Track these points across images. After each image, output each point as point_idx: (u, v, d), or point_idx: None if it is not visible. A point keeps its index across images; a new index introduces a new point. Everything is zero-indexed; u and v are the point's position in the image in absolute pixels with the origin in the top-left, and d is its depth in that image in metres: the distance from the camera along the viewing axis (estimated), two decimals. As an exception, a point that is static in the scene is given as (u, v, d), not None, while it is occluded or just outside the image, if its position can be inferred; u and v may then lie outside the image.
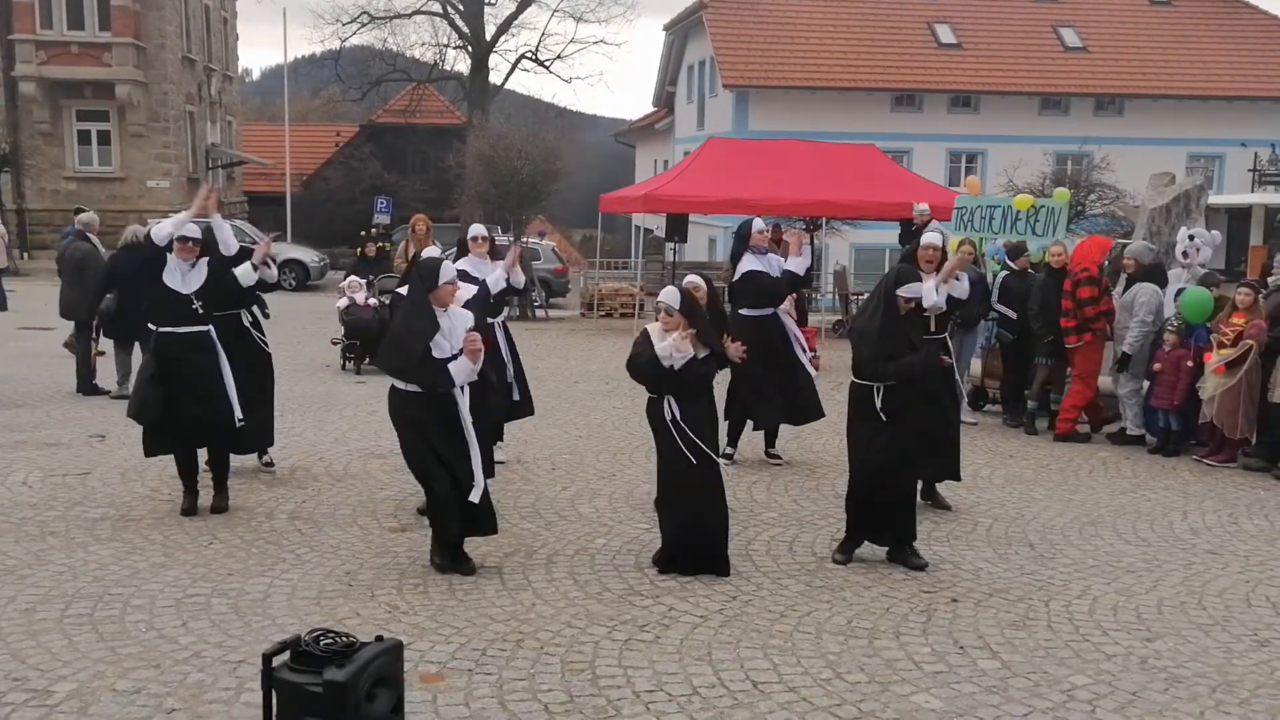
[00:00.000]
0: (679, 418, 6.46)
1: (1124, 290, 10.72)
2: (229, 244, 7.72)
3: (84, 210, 13.24)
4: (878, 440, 6.72)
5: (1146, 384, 10.49)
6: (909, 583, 6.58)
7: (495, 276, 8.24)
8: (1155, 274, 10.67)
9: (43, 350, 14.46)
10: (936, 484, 8.21)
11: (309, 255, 28.46)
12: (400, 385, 6.48)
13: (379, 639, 4.44)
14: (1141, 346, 10.37)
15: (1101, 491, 8.87)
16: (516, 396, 8.88)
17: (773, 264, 9.28)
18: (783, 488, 8.69)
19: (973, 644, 5.70)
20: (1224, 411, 9.61)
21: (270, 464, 8.80)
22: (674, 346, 6.34)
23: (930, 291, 7.48)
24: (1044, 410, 11.29)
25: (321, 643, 4.26)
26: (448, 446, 6.34)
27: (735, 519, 7.74)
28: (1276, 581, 6.81)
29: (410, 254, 12.13)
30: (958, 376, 8.29)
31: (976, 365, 12.10)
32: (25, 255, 29.83)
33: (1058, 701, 5.08)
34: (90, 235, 12.34)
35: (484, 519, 6.52)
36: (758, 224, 9.40)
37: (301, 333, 17.30)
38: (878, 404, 6.70)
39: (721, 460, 9.10)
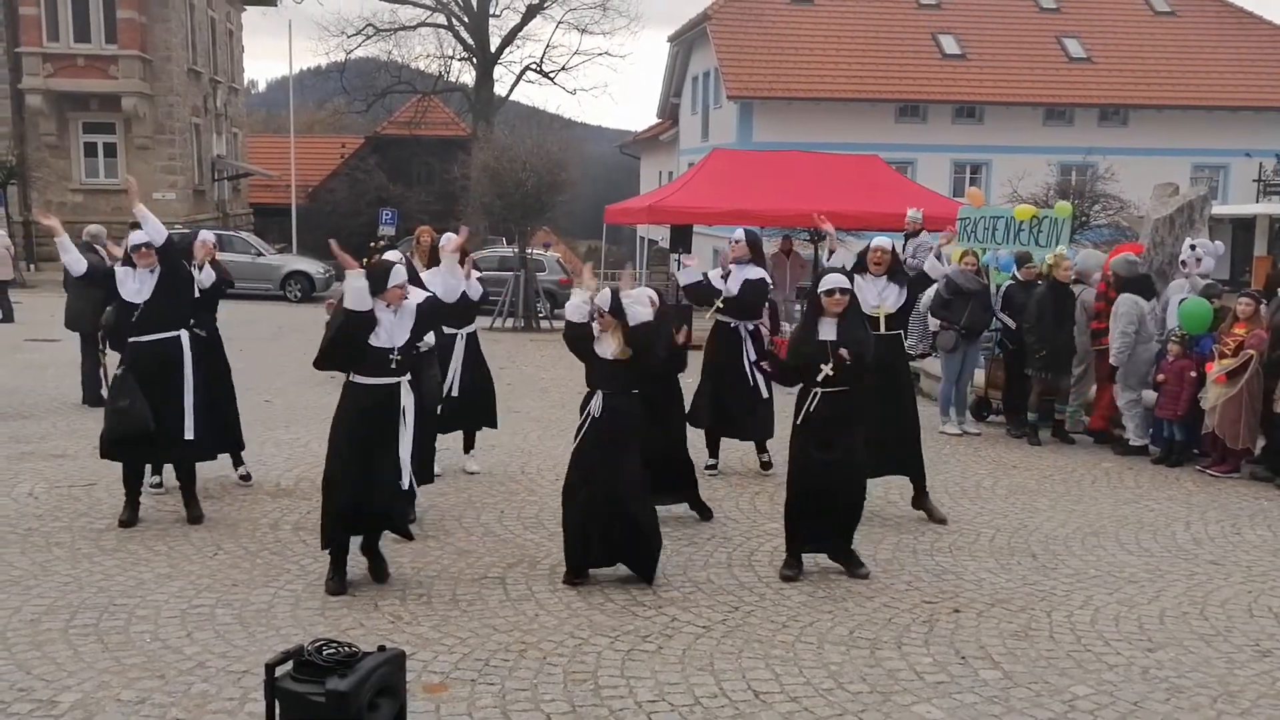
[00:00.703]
0: (595, 416, 6.52)
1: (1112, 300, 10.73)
2: (157, 230, 7.46)
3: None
4: (809, 448, 6.70)
5: (1151, 394, 10.50)
6: (911, 593, 6.59)
7: (449, 287, 7.96)
8: (1137, 285, 10.66)
9: (49, 362, 14.51)
10: (925, 492, 8.22)
11: (314, 267, 28.53)
12: (353, 379, 6.41)
13: (381, 649, 4.45)
14: (1129, 356, 10.39)
15: (1104, 502, 8.88)
16: (439, 410, 8.64)
17: (744, 275, 9.15)
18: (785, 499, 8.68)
19: (974, 654, 5.71)
20: (1225, 421, 9.61)
21: (246, 477, 8.74)
22: (580, 302, 6.52)
23: (882, 285, 7.72)
24: (1046, 421, 11.29)
25: (324, 652, 4.28)
26: (370, 444, 6.30)
27: (738, 529, 7.78)
28: (1279, 592, 6.81)
29: (417, 265, 12.16)
30: (910, 373, 8.31)
31: (980, 376, 12.11)
32: (32, 267, 29.92)
33: (1059, 712, 5.09)
34: (97, 247, 12.39)
35: (388, 514, 6.45)
36: (736, 234, 9.37)
37: (306, 344, 17.31)
38: (809, 409, 6.68)
39: (706, 471, 9.18)
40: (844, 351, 6.55)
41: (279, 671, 4.24)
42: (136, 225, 7.49)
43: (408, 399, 6.40)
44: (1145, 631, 6.09)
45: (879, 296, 8.02)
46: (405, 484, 6.39)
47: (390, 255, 7.73)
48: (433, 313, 6.60)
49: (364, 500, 6.31)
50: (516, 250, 22.53)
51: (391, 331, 6.31)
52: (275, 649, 5.01)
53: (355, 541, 6.54)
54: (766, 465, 9.46)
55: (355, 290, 6.19)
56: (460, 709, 4.96)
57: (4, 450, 9.60)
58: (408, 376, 6.46)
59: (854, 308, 6.85)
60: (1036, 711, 5.08)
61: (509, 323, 21.11)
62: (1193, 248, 10.98)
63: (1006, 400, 11.77)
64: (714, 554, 7.22)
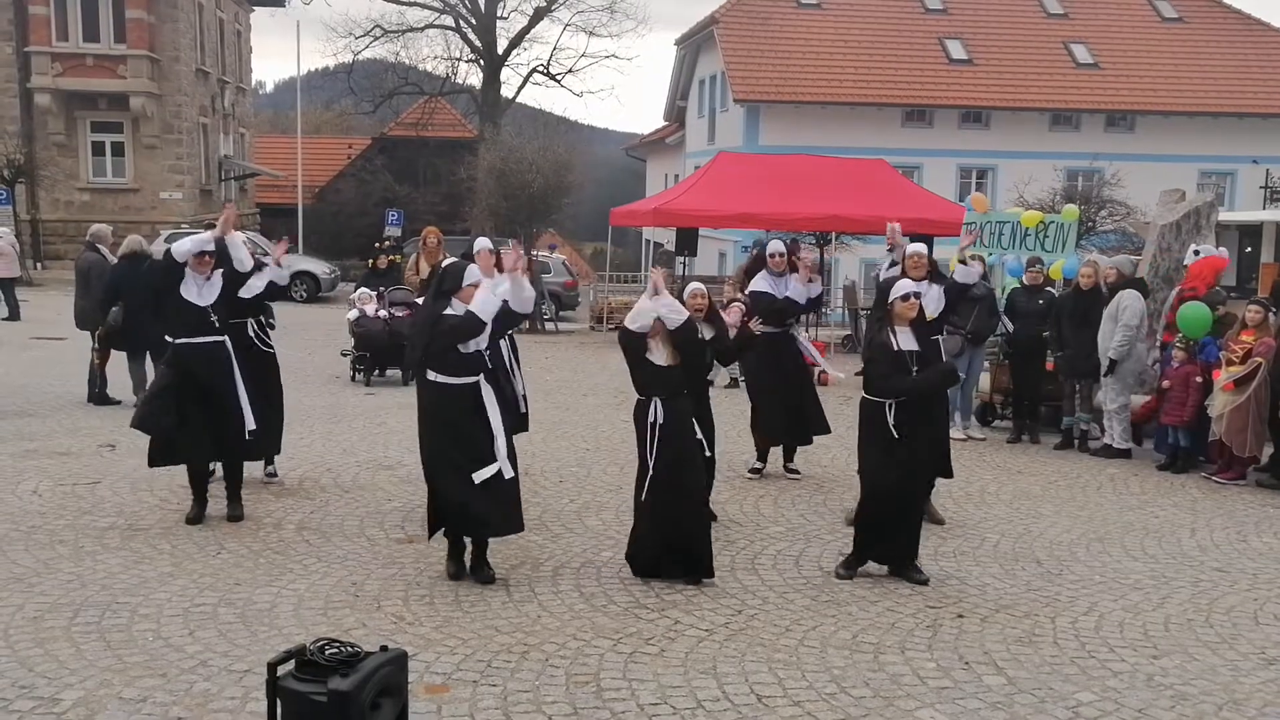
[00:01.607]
0: (661, 421, 6.53)
1: (1108, 300, 10.71)
2: (243, 260, 7.78)
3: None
4: (891, 459, 6.69)
5: (1137, 399, 10.52)
6: (915, 598, 6.57)
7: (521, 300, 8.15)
8: (1137, 284, 10.72)
9: (55, 359, 14.54)
10: (927, 494, 8.21)
11: (320, 267, 28.55)
12: (431, 376, 6.46)
13: (384, 649, 4.44)
14: (1127, 353, 10.38)
15: (1110, 508, 8.85)
16: (522, 409, 8.80)
17: (783, 287, 9.30)
18: (790, 502, 8.69)
19: (978, 660, 5.69)
20: (1232, 429, 9.58)
21: (274, 474, 8.82)
22: (644, 314, 6.54)
23: (925, 289, 7.68)
24: (1052, 428, 11.28)
25: (326, 652, 4.27)
26: (468, 442, 6.35)
27: (742, 533, 7.77)
28: (1284, 599, 6.79)
29: (420, 267, 12.18)
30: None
31: (985, 380, 12.09)
32: (39, 265, 29.99)
33: (1063, 718, 5.07)
34: (100, 246, 12.44)
35: (499, 517, 6.46)
36: (774, 246, 9.43)
37: (312, 344, 17.34)
38: (890, 421, 6.67)
39: (749, 474, 9.24)
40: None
41: (281, 671, 4.24)
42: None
43: (490, 394, 6.46)
44: (1150, 638, 6.07)
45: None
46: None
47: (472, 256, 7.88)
48: (505, 318, 6.64)
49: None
50: (515, 247, 22.50)
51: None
52: (277, 648, 5.00)
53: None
54: (793, 473, 9.49)
55: (485, 302, 6.35)
56: (462, 710, 4.95)
57: (9, 448, 9.61)
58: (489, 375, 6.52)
59: (922, 313, 6.87)
60: (1040, 717, 5.06)
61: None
62: (1196, 253, 10.98)
63: (1004, 403, 11.78)
64: (717, 557, 7.18)
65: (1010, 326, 11.43)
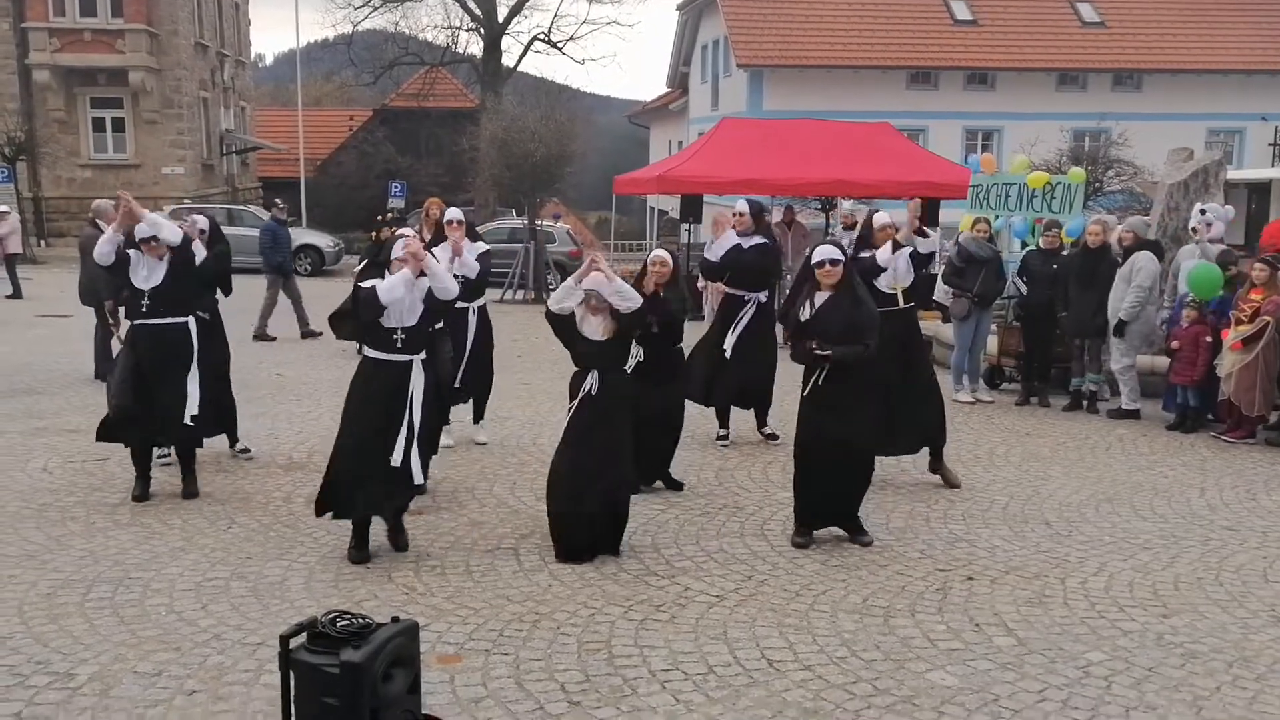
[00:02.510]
0: (595, 393, 6.47)
1: (1122, 261, 10.66)
2: (174, 234, 7.51)
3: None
4: (813, 422, 6.65)
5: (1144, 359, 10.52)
6: (924, 561, 6.58)
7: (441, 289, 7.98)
8: (1152, 246, 10.67)
9: (61, 337, 14.55)
10: (941, 457, 8.21)
11: (323, 240, 28.50)
12: (365, 351, 6.48)
13: (395, 620, 4.45)
14: (1138, 314, 10.35)
15: (1119, 468, 8.85)
16: (457, 384, 8.71)
17: (748, 242, 9.05)
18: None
19: (988, 621, 5.70)
20: (1241, 388, 9.56)
21: (245, 450, 8.74)
22: (565, 295, 6.52)
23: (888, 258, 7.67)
24: (1059, 389, 11.26)
25: (338, 624, 4.28)
26: (378, 416, 6.33)
27: (751, 499, 7.77)
28: (1295, 557, 6.79)
29: (424, 238, 12.14)
30: (922, 349, 8.25)
31: (993, 343, 12.07)
32: (42, 243, 29.98)
33: (1073, 678, 5.08)
34: (100, 222, 12.42)
35: (400, 493, 6.47)
36: (739, 206, 9.27)
37: (317, 317, 17.31)
38: (813, 384, 6.62)
39: (718, 443, 9.19)
40: (814, 345, 6.50)
41: (293, 643, 4.25)
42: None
43: (418, 378, 6.42)
44: (1160, 597, 6.08)
45: (892, 272, 7.93)
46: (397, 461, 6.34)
47: (404, 231, 7.77)
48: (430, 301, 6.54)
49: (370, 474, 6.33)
50: (526, 222, 22.46)
51: (402, 313, 6.35)
52: (289, 621, 5.02)
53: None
54: (772, 437, 9.43)
55: (389, 283, 6.30)
56: (475, 679, 4.98)
57: (18, 425, 9.64)
58: (421, 355, 6.47)
59: (848, 282, 6.68)
60: (1050, 678, 5.07)
61: (519, 295, 21.08)
62: (1202, 212, 10.92)
63: (1019, 367, 11.76)
64: (727, 523, 7.22)
65: (1024, 289, 11.38)
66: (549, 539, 6.81)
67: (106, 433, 7.63)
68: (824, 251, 6.70)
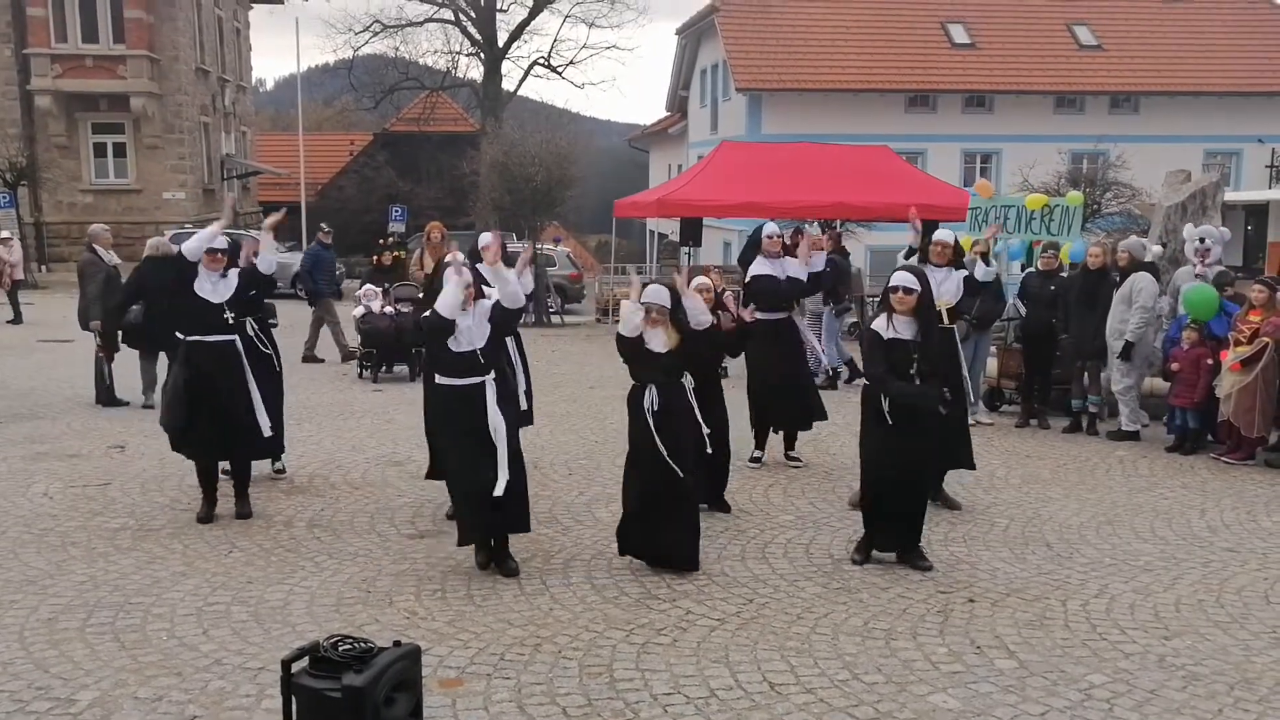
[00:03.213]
0: (657, 408, 6.55)
1: (1120, 282, 10.69)
2: (268, 262, 7.83)
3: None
4: (887, 447, 6.68)
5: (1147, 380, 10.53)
6: (926, 583, 6.58)
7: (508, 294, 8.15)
8: (1148, 267, 10.70)
9: (62, 362, 14.57)
10: (942, 478, 8.22)
11: (325, 264, 28.49)
12: (436, 379, 6.56)
13: (397, 644, 4.46)
14: (1142, 335, 10.37)
15: (1119, 490, 8.85)
16: (524, 406, 8.79)
17: (783, 269, 9.32)
18: (799, 490, 8.70)
19: (990, 644, 5.70)
20: (1240, 409, 9.57)
21: (282, 470, 8.86)
22: (631, 317, 6.60)
23: (946, 275, 7.75)
24: (1060, 412, 11.27)
25: (340, 648, 4.29)
26: (474, 443, 6.40)
27: (752, 522, 7.78)
28: (1296, 579, 6.79)
29: (425, 262, 12.18)
30: (964, 369, 8.31)
31: (993, 365, 12.09)
32: (43, 268, 30.04)
33: (1075, 700, 5.07)
34: (96, 247, 12.49)
35: (511, 516, 6.51)
36: (769, 229, 9.45)
37: (319, 341, 17.32)
38: (884, 408, 6.66)
39: (750, 464, 9.25)
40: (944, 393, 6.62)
41: (295, 668, 4.26)
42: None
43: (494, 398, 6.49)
44: (1161, 619, 6.08)
45: (939, 289, 7.93)
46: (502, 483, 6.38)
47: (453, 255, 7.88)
48: (503, 318, 6.66)
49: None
50: (528, 243, 22.52)
51: (471, 334, 6.45)
52: (291, 645, 5.02)
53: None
54: (794, 461, 9.49)
55: (445, 298, 6.38)
56: (476, 703, 4.97)
57: (19, 450, 9.64)
58: (493, 374, 6.53)
59: (926, 305, 6.74)
60: (1052, 700, 5.07)
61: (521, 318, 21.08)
62: (1201, 240, 10.94)
63: (1018, 388, 11.78)
64: (728, 546, 7.22)
65: (1023, 310, 11.42)
66: (550, 562, 6.83)
67: (179, 446, 7.70)
68: (899, 278, 6.70)
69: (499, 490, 6.32)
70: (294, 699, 4.24)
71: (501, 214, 24.09)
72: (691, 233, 19.33)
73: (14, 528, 7.43)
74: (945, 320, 7.94)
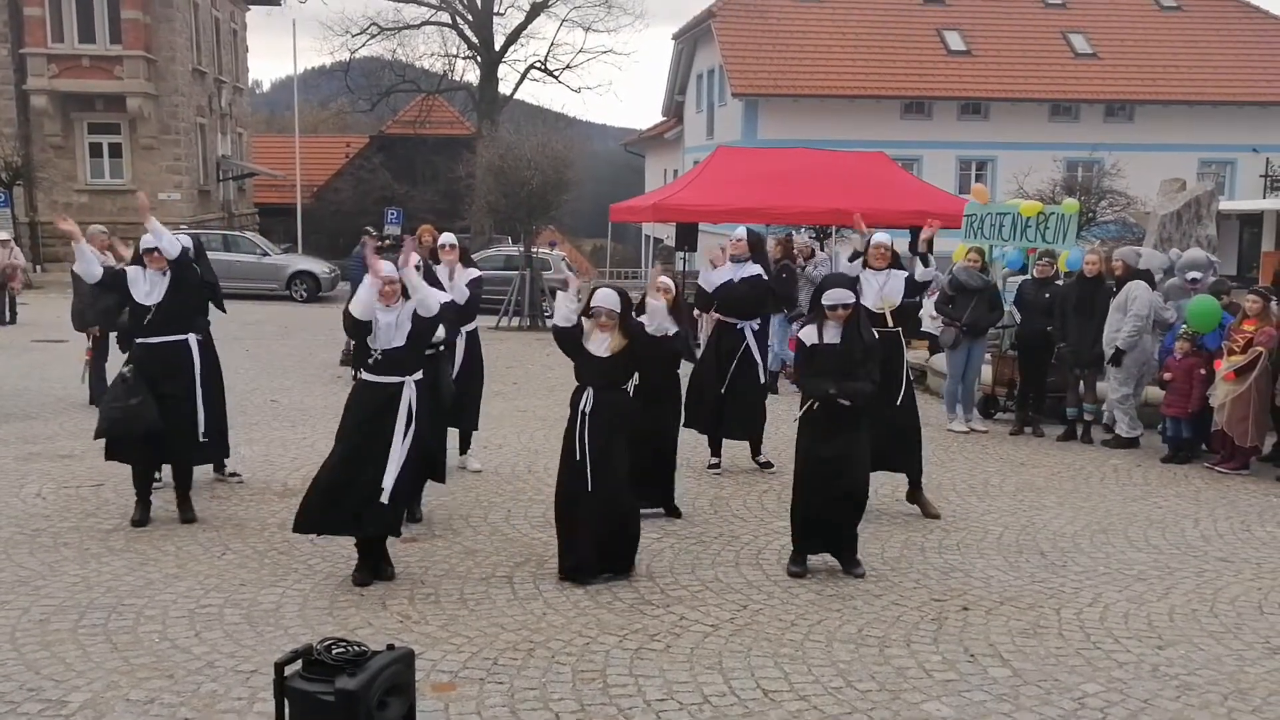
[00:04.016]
0: (589, 410, 6.51)
1: (1114, 292, 10.71)
2: (172, 245, 7.55)
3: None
4: (813, 449, 6.68)
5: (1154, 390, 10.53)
6: (919, 591, 6.58)
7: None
8: (1144, 276, 10.73)
9: (56, 362, 14.53)
10: (919, 487, 8.22)
11: (319, 266, 28.54)
12: (360, 373, 6.57)
13: (390, 648, 4.45)
14: (1136, 343, 10.39)
15: (1113, 499, 8.86)
16: (457, 407, 8.66)
17: (742, 273, 9.11)
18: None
19: (983, 652, 5.70)
20: (1234, 419, 9.59)
21: (235, 475, 8.72)
22: (561, 306, 6.61)
23: (886, 278, 7.81)
24: (1054, 419, 11.28)
25: (333, 651, 4.28)
26: (365, 440, 6.35)
27: (746, 528, 7.77)
28: (1289, 588, 6.79)
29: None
30: (906, 370, 8.26)
31: (988, 372, 12.10)
32: (38, 268, 29.97)
33: (1069, 709, 5.07)
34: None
35: (382, 520, 6.41)
36: (738, 232, 9.33)
37: (312, 343, 17.35)
38: (808, 408, 6.68)
39: (709, 470, 9.21)
40: (832, 390, 6.55)
41: (288, 671, 4.25)
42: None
43: (410, 400, 6.42)
44: (1155, 629, 6.08)
45: (881, 293, 8.01)
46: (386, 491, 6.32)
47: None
48: (421, 325, 6.53)
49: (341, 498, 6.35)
50: (522, 249, 22.54)
51: (389, 333, 6.38)
52: (283, 648, 5.01)
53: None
54: (767, 465, 9.45)
55: (357, 298, 6.38)
56: (469, 708, 4.96)
57: (11, 451, 9.62)
58: (417, 375, 6.47)
59: (857, 316, 6.75)
60: (1046, 709, 5.07)
61: (514, 321, 21.11)
62: (1192, 281, 10.99)
63: (1011, 395, 11.79)
64: (721, 552, 7.22)
65: (1018, 318, 11.43)
66: (544, 567, 6.82)
67: (112, 452, 7.60)
68: (834, 296, 6.66)
69: (385, 494, 6.26)
70: (287, 702, 4.23)
71: (497, 217, 24.13)
72: (687, 237, 19.34)
73: (6, 528, 7.40)
74: (890, 323, 7.96)
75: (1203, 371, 9.95)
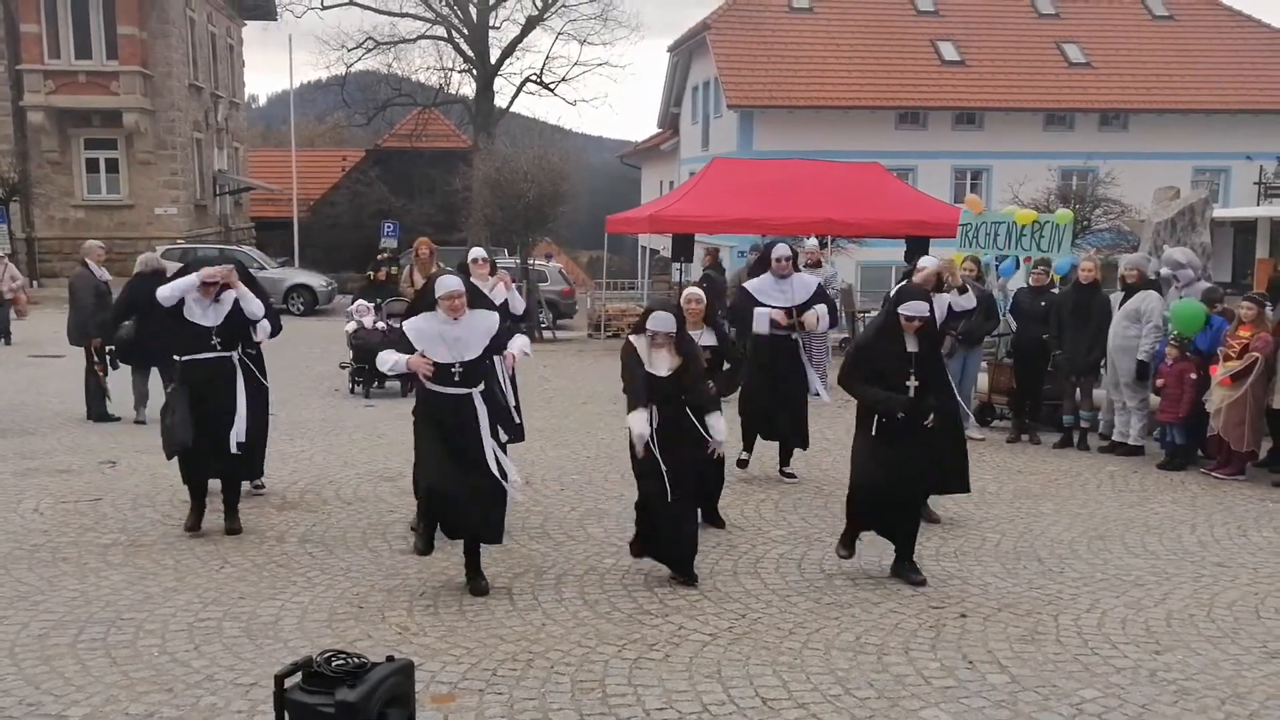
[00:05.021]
0: (657, 428, 6.61)
1: (1124, 300, 10.73)
2: (258, 309, 7.89)
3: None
4: (875, 456, 6.75)
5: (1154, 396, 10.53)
6: (917, 598, 6.59)
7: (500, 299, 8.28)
8: (1154, 285, 10.75)
9: (53, 377, 14.54)
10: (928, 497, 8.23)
11: (317, 280, 28.56)
12: (426, 385, 6.65)
13: (390, 659, 4.46)
14: (1160, 354, 10.41)
15: (1109, 505, 8.87)
16: (518, 420, 8.77)
17: (788, 289, 9.26)
18: (791, 505, 8.71)
19: (981, 659, 5.71)
20: (1230, 424, 9.61)
21: (260, 486, 8.83)
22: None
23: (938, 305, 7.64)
24: (1051, 427, 11.30)
25: (333, 663, 4.29)
26: (457, 447, 6.46)
27: (744, 537, 7.78)
28: (1286, 593, 6.81)
29: (414, 278, 12.19)
30: (954, 387, 8.30)
31: (984, 380, 12.12)
32: (35, 283, 29.96)
33: (1067, 715, 5.09)
34: (88, 261, 12.49)
35: (475, 518, 6.52)
36: (781, 250, 9.39)
37: (310, 357, 17.35)
38: (873, 421, 6.75)
39: (737, 465, 9.27)
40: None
41: (288, 683, 4.25)
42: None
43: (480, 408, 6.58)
44: (1152, 634, 6.09)
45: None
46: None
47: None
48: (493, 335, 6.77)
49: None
50: (519, 261, 22.57)
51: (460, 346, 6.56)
52: (282, 661, 5.02)
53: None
54: (791, 476, 9.49)
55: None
56: (469, 719, 4.97)
57: (9, 466, 9.62)
58: (480, 387, 6.61)
59: (931, 327, 6.88)
60: (1044, 715, 5.08)
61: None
62: (1174, 279, 11.02)
63: (1009, 403, 11.80)
64: (720, 561, 7.23)
65: (1014, 326, 11.45)
66: (542, 577, 6.83)
67: (172, 454, 7.69)
68: (914, 308, 6.72)
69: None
70: (287, 714, 4.23)
71: (493, 230, 24.13)
72: (683, 249, 19.38)
73: (5, 543, 7.41)
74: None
75: (1194, 376, 9.98)
